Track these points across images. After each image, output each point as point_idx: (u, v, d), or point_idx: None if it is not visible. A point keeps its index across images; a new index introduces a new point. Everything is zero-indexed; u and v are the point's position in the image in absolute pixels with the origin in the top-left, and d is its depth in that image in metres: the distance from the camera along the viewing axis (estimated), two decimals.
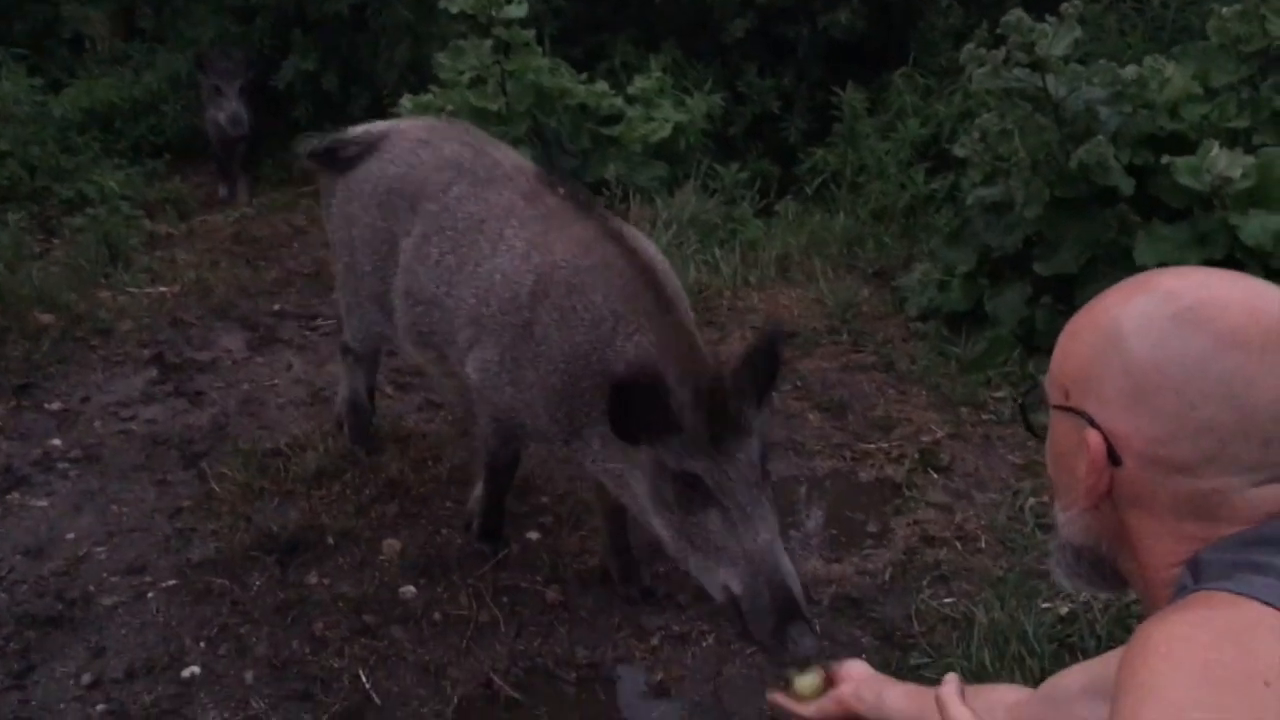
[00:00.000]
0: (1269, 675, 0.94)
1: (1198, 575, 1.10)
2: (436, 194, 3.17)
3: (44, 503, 3.48)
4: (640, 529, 2.86)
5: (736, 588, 2.43)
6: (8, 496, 3.49)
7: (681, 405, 2.44)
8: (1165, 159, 3.97)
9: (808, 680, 1.78)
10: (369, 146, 3.40)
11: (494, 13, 5.30)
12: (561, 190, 3.11)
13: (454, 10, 5.36)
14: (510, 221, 3.01)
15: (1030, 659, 2.76)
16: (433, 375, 3.51)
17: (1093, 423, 1.15)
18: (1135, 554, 1.19)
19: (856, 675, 1.81)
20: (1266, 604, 0.99)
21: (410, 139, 3.38)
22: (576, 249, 2.86)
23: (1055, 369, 1.23)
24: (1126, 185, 4.04)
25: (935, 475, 3.76)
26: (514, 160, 3.32)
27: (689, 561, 2.55)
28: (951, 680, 1.43)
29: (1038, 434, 1.31)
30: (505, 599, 3.12)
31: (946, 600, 3.13)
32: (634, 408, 2.44)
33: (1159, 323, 1.11)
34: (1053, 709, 1.59)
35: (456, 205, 3.12)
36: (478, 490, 3.33)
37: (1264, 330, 1.09)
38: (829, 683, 1.77)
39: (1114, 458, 1.14)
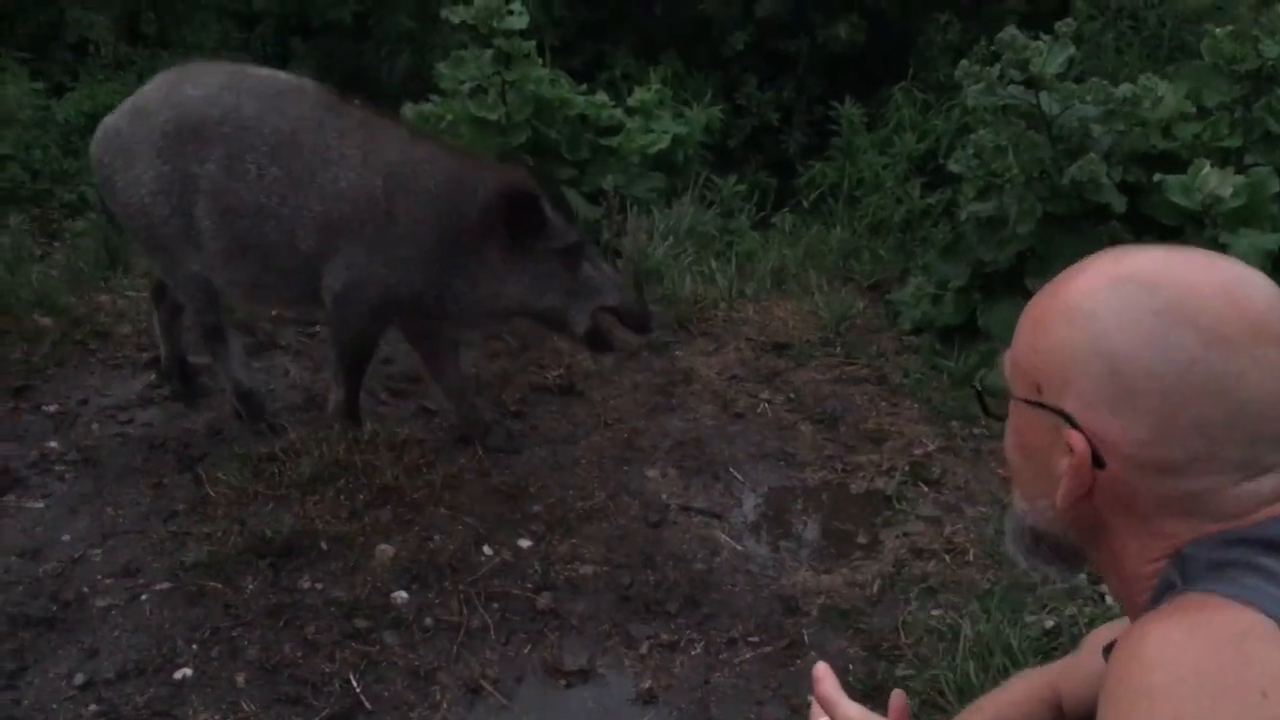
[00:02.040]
0: (1266, 684, 0.92)
1: (1184, 572, 1.07)
2: (228, 117, 3.49)
3: (40, 504, 3.49)
4: None
5: (614, 301, 3.63)
6: (4, 498, 3.50)
7: (546, 201, 3.53)
8: (1157, 177, 4.01)
9: None
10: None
11: (495, 24, 5.33)
12: (356, 101, 3.71)
13: (456, 20, 5.39)
14: (325, 133, 3.53)
15: (1014, 671, 2.78)
16: (239, 297, 3.91)
17: (1074, 424, 1.10)
18: (1110, 549, 1.16)
19: None
20: (1261, 610, 0.97)
21: (163, 86, 3.64)
22: (400, 148, 3.58)
23: (1023, 360, 1.17)
24: (1119, 202, 4.08)
25: (925, 488, 3.79)
26: (284, 75, 3.76)
27: (569, 312, 3.60)
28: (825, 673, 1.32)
29: (997, 418, 1.26)
30: (496, 605, 3.15)
31: (934, 612, 3.15)
32: (523, 212, 3.47)
33: (1141, 319, 1.06)
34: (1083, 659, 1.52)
35: (256, 122, 3.50)
36: (336, 397, 3.83)
37: (1249, 323, 1.05)
38: None
39: (1097, 460, 1.09)
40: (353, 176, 3.50)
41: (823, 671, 1.33)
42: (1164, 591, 1.09)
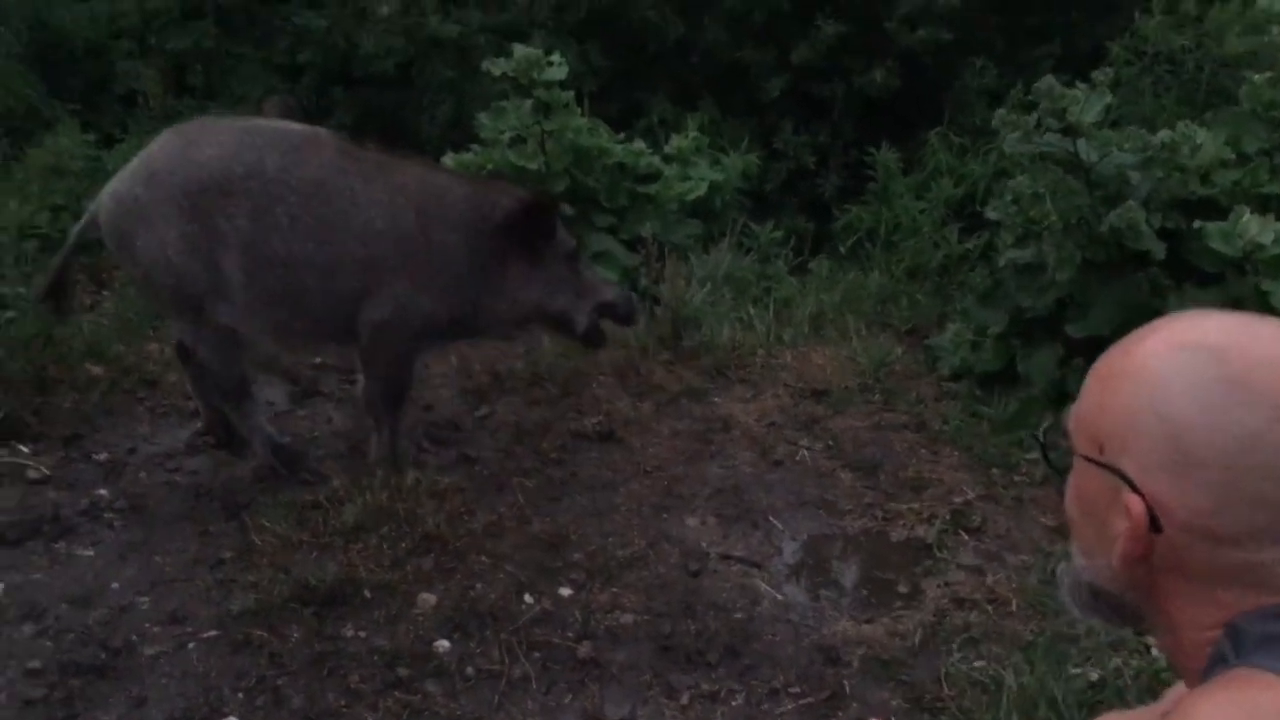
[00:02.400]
0: None
1: (1237, 645, 1.07)
2: (252, 172, 3.64)
3: (90, 552, 3.55)
4: None
5: (610, 297, 4.10)
6: (55, 545, 3.57)
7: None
8: (1197, 224, 4.01)
9: None
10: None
11: (535, 75, 5.42)
12: (369, 145, 3.99)
13: (496, 72, 5.49)
14: (350, 178, 3.74)
15: None
16: (269, 342, 4.03)
17: (1134, 487, 1.10)
18: (1165, 613, 1.15)
19: None
20: None
21: (173, 147, 3.72)
22: (421, 182, 3.88)
23: (1087, 416, 1.18)
24: (1158, 249, 4.06)
25: (966, 536, 3.77)
26: (296, 126, 3.97)
27: (573, 311, 4.02)
28: None
29: (1058, 471, 1.26)
30: (537, 654, 3.16)
31: (976, 664, 3.14)
32: (543, 222, 3.91)
33: (1208, 387, 1.06)
34: None
35: (281, 174, 3.66)
36: (381, 437, 4.00)
37: None
38: None
39: (1155, 525, 1.09)
40: (386, 215, 3.75)
41: None
42: (1217, 663, 1.09)
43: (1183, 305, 3.92)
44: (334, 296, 3.77)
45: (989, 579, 3.53)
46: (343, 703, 2.95)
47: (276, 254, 3.67)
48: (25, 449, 4.08)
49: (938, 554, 3.67)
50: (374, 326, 3.81)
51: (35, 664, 3.02)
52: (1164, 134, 4.24)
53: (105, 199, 3.75)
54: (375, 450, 4.03)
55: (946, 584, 3.52)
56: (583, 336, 4.13)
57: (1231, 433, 1.05)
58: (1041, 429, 1.31)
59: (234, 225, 3.63)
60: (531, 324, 4.17)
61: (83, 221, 3.90)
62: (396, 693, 2.98)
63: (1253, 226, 3.81)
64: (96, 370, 4.52)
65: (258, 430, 4.00)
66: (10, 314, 4.72)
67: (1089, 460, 1.16)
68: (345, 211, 3.71)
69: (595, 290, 4.10)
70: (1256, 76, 4.42)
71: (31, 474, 3.94)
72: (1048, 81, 4.09)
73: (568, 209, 4.45)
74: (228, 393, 3.98)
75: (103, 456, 4.08)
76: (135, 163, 3.79)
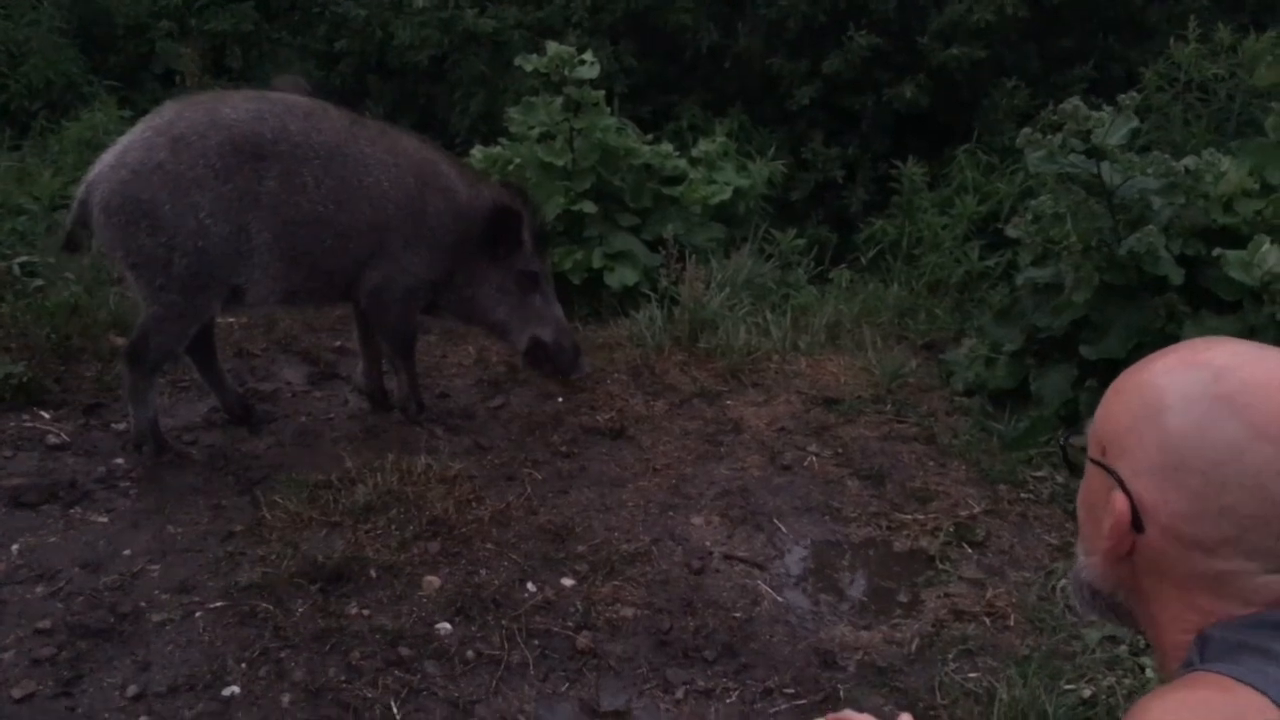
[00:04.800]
0: None
1: (1204, 651, 1.13)
2: (281, 136, 3.81)
3: (104, 519, 3.62)
4: None
5: (549, 339, 4.30)
6: (71, 510, 3.64)
7: (526, 226, 4.18)
8: (1216, 251, 4.01)
9: None
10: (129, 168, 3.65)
11: (566, 72, 5.47)
12: (365, 115, 4.33)
13: (529, 68, 5.54)
14: (360, 143, 3.96)
15: None
16: (275, 305, 4.18)
17: (1123, 486, 1.17)
18: (1149, 614, 1.21)
19: None
20: (1260, 690, 1.02)
21: (192, 115, 3.75)
22: (418, 151, 4.16)
23: (1098, 422, 1.25)
24: (1176, 275, 4.07)
25: (969, 550, 3.79)
26: (298, 97, 4.16)
27: (511, 330, 4.30)
28: None
29: (1075, 472, 1.33)
30: (536, 642, 3.20)
31: (971, 675, 3.16)
32: (507, 228, 4.14)
33: (1200, 403, 1.12)
34: None
35: (304, 138, 3.85)
36: (402, 381, 4.34)
37: None
38: None
39: (1138, 524, 1.16)
40: (392, 177, 4.00)
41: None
42: (1185, 668, 1.14)
43: (1199, 331, 3.94)
44: (346, 256, 3.98)
45: (989, 593, 3.54)
46: (343, 678, 3.00)
47: (303, 214, 3.84)
48: (46, 415, 4.17)
49: (939, 565, 3.69)
50: (371, 288, 4.07)
51: (45, 624, 3.09)
52: (1188, 160, 4.24)
53: (113, 173, 3.63)
54: (398, 392, 4.39)
55: (946, 595, 3.54)
56: (524, 357, 4.43)
57: (1215, 445, 1.11)
58: (1062, 435, 1.38)
59: (265, 187, 3.75)
60: (477, 324, 4.45)
61: (74, 207, 3.76)
62: (396, 671, 3.03)
63: (1271, 257, 3.81)
64: (120, 341, 4.58)
65: (147, 413, 3.93)
66: (38, 282, 4.81)
67: (1093, 461, 1.24)
68: (358, 173, 3.93)
69: (538, 321, 4.31)
70: None
71: (51, 439, 4.02)
72: (1073, 103, 4.10)
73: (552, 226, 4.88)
74: (141, 365, 3.83)
75: (121, 426, 4.14)
76: (141, 136, 3.70)
